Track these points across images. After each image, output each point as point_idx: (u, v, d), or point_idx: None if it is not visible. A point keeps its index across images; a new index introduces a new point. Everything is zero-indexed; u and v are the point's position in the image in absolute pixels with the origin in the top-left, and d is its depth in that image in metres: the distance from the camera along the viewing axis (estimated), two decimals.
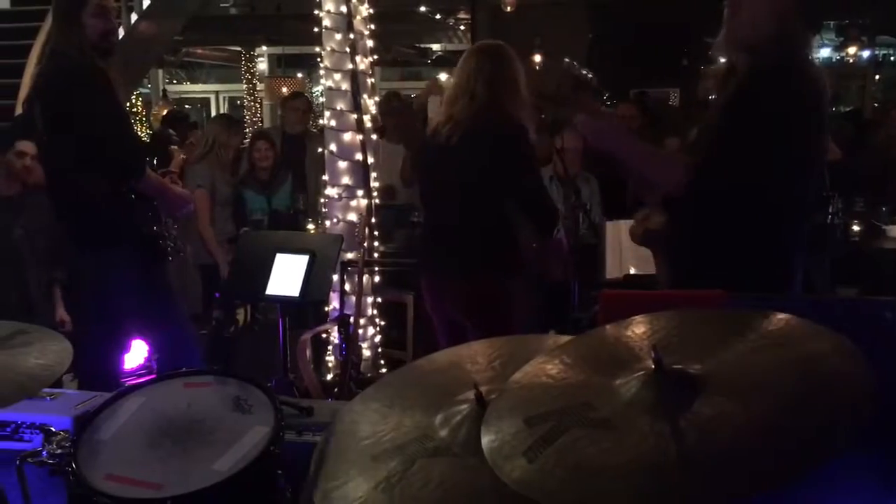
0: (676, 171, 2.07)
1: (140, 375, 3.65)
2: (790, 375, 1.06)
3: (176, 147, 4.56)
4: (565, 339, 1.40)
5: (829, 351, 1.08)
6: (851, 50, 10.92)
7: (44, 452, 1.46)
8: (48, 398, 1.89)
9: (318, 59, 4.44)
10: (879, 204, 4.75)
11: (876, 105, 10.13)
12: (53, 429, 1.55)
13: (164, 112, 9.83)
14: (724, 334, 1.19)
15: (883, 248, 4.62)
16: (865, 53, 12.31)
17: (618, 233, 3.77)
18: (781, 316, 1.18)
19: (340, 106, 4.31)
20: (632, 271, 3.60)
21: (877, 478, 1.30)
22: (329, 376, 4.33)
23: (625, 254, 3.71)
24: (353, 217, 4.30)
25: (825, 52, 11.85)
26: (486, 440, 1.12)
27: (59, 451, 1.45)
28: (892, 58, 14.24)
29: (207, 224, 4.85)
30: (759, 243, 2.11)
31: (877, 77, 12.91)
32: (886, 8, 10.65)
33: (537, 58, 9.77)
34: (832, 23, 12.48)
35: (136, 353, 3.64)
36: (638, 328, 1.30)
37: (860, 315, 1.54)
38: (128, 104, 10.06)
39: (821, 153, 2.26)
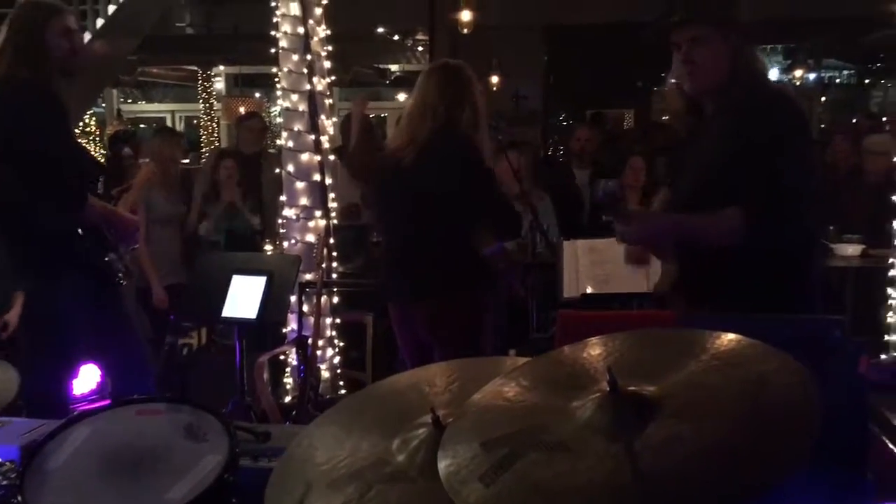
0: (735, 225, 2.05)
1: (92, 401, 3.57)
2: (741, 397, 1.07)
3: (146, 161, 4.43)
4: (523, 360, 1.40)
5: (778, 371, 1.10)
6: (798, 73, 11.26)
7: None
8: None
9: (276, 80, 4.42)
10: (826, 223, 4.87)
11: (822, 126, 10.41)
12: None
13: (111, 132, 9.71)
14: (676, 355, 1.20)
15: (831, 267, 4.73)
16: (812, 76, 12.69)
17: (574, 252, 3.80)
18: (731, 337, 1.20)
19: (298, 127, 4.30)
20: (588, 290, 3.63)
21: (824, 498, 1.33)
22: (287, 399, 4.29)
23: (582, 273, 3.74)
24: (311, 238, 4.28)
25: (773, 75, 12.20)
26: (442, 465, 1.11)
27: (5, 482, 1.41)
28: (837, 80, 14.70)
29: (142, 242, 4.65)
30: (783, 270, 2.12)
31: (823, 99, 13.31)
32: (833, 32, 10.99)
33: (494, 79, 9.88)
34: (780, 46, 12.85)
35: (87, 379, 3.57)
36: (594, 349, 1.30)
37: (809, 334, 1.57)
38: (81, 124, 9.95)
39: (818, 170, 2.31)
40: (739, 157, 2.07)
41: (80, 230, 2.88)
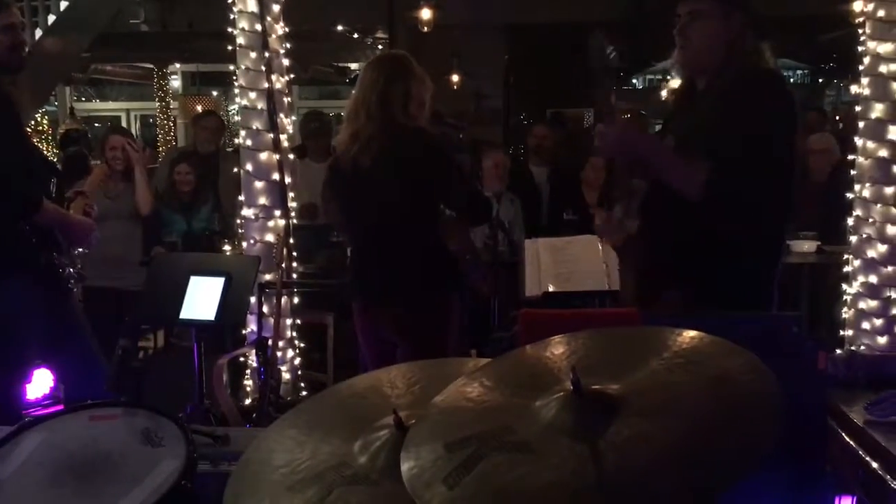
0: (700, 175, 2.02)
1: (45, 406, 3.49)
2: (703, 394, 1.08)
3: (100, 162, 4.34)
4: (485, 360, 1.39)
5: (740, 368, 1.11)
6: None
7: None
8: None
9: (234, 78, 4.36)
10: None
11: None
12: None
13: (62, 132, 9.49)
14: (639, 353, 1.20)
15: (788, 263, 4.80)
16: None
17: (536, 250, 3.81)
18: (693, 334, 1.20)
19: (256, 125, 4.24)
20: (550, 289, 3.63)
21: (785, 491, 1.34)
22: (247, 401, 4.23)
23: (543, 271, 3.74)
24: (270, 238, 4.23)
25: None
26: (405, 467, 1.10)
27: None
28: (791, 80, 14.99)
29: None
30: (744, 255, 2.09)
31: None
32: (787, 32, 11.18)
33: (454, 77, 9.88)
34: None
35: (40, 383, 3.48)
36: (556, 349, 1.30)
37: (768, 330, 1.59)
38: (32, 122, 9.72)
39: (797, 158, 2.31)
40: (722, 135, 2.06)
41: (30, 232, 2.80)
